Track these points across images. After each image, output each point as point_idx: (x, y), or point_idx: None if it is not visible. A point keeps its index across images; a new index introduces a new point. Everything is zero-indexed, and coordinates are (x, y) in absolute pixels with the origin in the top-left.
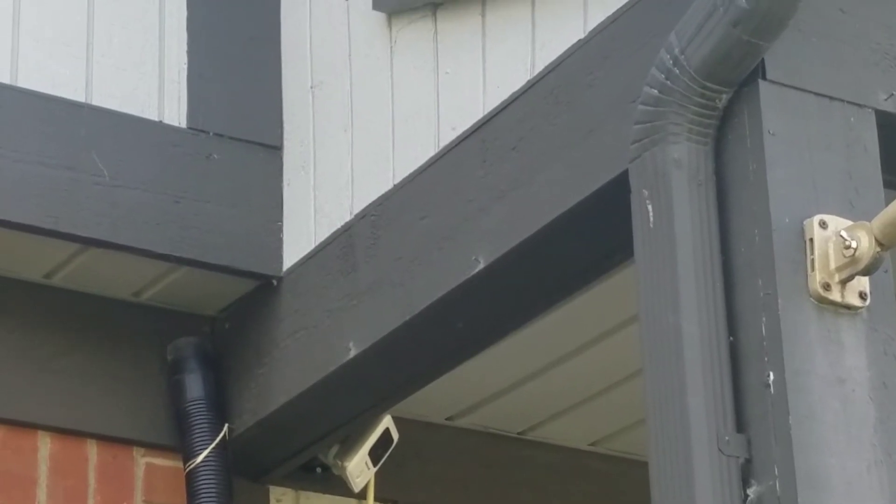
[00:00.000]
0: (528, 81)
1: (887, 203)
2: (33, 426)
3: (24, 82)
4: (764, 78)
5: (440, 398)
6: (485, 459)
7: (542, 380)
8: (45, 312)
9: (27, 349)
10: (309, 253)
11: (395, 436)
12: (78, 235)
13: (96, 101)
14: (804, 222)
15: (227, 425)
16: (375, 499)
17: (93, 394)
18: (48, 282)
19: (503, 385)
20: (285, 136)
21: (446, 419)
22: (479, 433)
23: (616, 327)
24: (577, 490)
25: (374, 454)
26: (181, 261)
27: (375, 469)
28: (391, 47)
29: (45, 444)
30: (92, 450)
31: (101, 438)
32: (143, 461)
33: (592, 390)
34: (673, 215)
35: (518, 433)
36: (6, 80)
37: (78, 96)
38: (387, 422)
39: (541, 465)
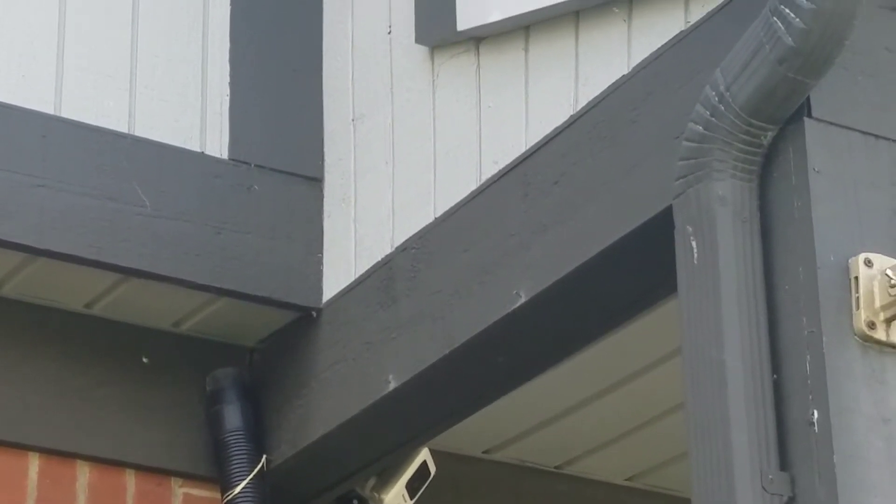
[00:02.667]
0: (571, 116)
1: None
2: (72, 455)
3: (68, 113)
4: (809, 116)
5: (477, 431)
6: (521, 493)
7: (580, 414)
8: (85, 342)
9: (67, 378)
10: (349, 285)
11: (433, 469)
12: (119, 265)
13: (139, 132)
14: (849, 260)
15: (265, 456)
16: None
17: (131, 424)
18: (88, 311)
19: (540, 419)
20: (326, 168)
21: (483, 452)
22: (515, 467)
23: (653, 363)
24: None
25: (411, 487)
26: (221, 291)
27: (412, 502)
28: (433, 81)
29: (83, 474)
30: (130, 480)
31: (140, 468)
32: (180, 491)
33: (630, 425)
34: (717, 252)
35: (555, 467)
36: (50, 111)
37: (121, 127)
38: (424, 455)
39: (577, 499)
